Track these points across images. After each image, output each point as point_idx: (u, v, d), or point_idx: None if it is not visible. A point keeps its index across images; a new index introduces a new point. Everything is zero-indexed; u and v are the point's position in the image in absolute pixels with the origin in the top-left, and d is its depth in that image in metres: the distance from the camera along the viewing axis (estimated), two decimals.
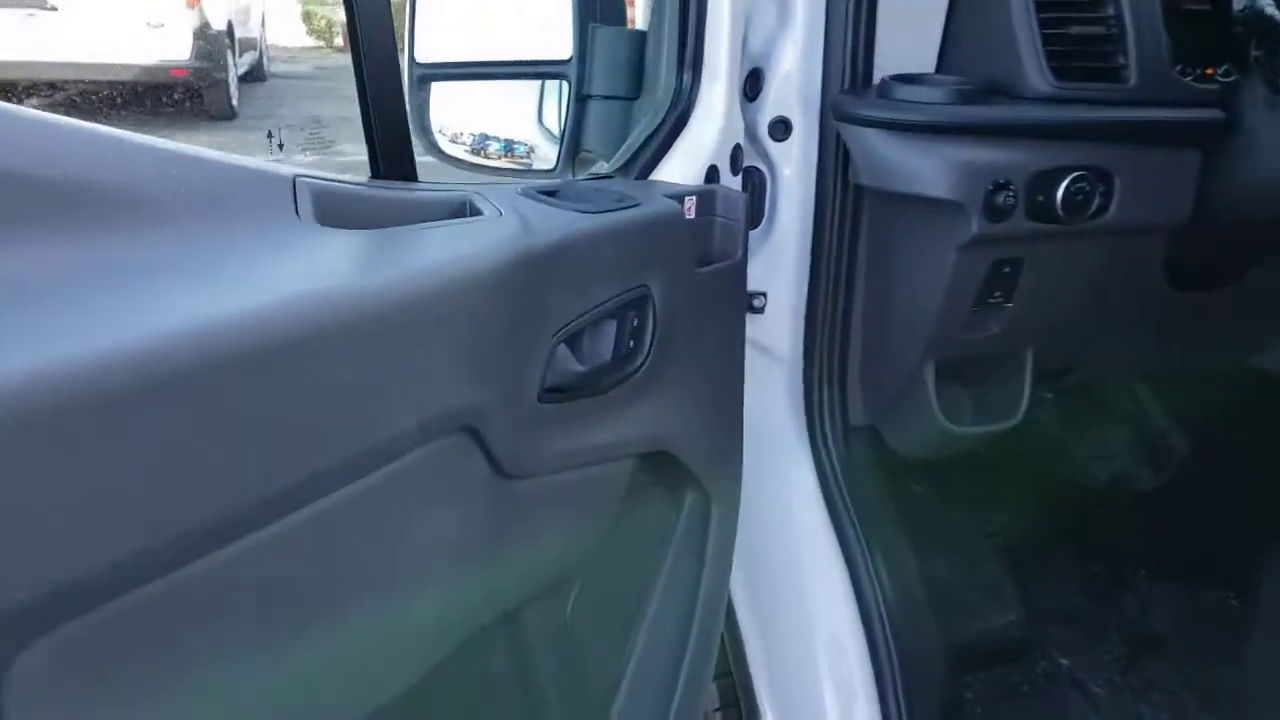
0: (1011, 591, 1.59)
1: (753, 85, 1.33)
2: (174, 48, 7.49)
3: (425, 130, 1.38)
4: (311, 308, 0.63)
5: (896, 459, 1.50)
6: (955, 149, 1.20)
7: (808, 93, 1.31)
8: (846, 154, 1.30)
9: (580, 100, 1.32)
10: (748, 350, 1.41)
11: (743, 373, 1.26)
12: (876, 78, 1.30)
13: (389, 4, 0.84)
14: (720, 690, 1.47)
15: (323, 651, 0.74)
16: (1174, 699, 1.62)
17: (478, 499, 0.82)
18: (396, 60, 0.85)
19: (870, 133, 1.21)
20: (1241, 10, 1.32)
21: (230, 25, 8.21)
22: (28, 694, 0.51)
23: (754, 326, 1.41)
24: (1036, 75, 1.23)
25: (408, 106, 1.38)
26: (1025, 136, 1.23)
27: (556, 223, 0.90)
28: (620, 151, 1.25)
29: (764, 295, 1.39)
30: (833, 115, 1.27)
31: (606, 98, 1.31)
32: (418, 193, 0.86)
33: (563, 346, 0.88)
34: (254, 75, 9.43)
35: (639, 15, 1.51)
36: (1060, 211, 1.23)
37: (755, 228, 1.38)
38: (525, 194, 0.95)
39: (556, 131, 1.40)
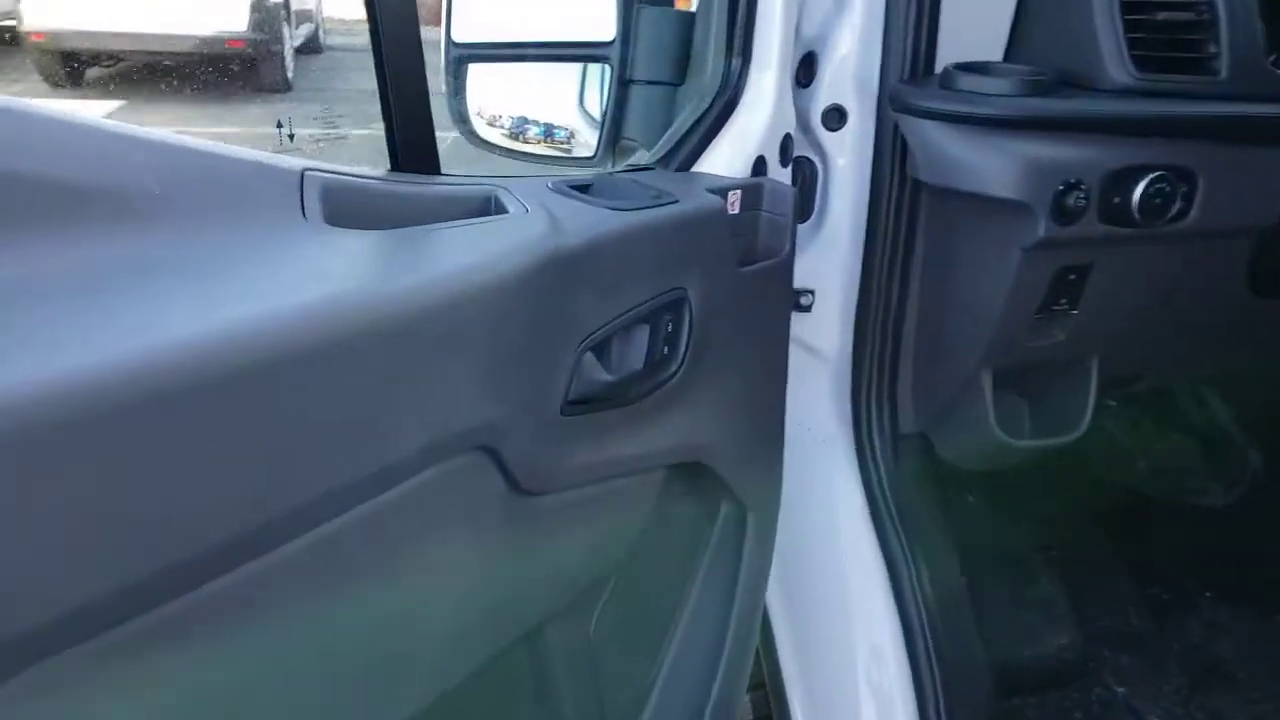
0: (1066, 612, 1.50)
1: (806, 71, 1.25)
2: (232, 20, 7.54)
3: (462, 114, 1.33)
4: (311, 318, 0.58)
5: (947, 468, 1.42)
6: (1022, 145, 1.11)
7: (865, 80, 1.22)
8: (904, 146, 1.21)
9: (622, 85, 1.25)
10: (793, 350, 1.34)
11: (785, 377, 1.19)
12: (939, 66, 1.22)
13: None
14: (753, 703, 1.41)
15: (336, 675, 0.70)
16: None
17: (493, 517, 0.77)
18: (419, 42, 0.79)
19: (930, 125, 1.13)
20: None
21: None
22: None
23: (800, 325, 1.34)
24: (1116, 66, 1.14)
25: (444, 88, 1.33)
26: (1100, 132, 1.14)
27: (587, 221, 0.84)
28: (662, 141, 1.18)
29: (812, 293, 1.32)
30: (890, 105, 1.19)
31: (650, 83, 1.24)
32: (439, 187, 0.80)
33: (589, 355, 0.82)
34: (310, 47, 9.46)
35: None
36: (1136, 214, 1.14)
37: (805, 221, 1.30)
38: (556, 189, 0.89)
39: (598, 116, 1.33)
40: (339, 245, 0.65)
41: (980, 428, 1.30)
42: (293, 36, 8.43)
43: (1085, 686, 1.53)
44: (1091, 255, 1.20)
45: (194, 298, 0.56)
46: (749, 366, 1.11)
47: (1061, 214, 1.11)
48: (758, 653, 1.28)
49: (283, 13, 8.10)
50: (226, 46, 7.64)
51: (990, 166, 1.10)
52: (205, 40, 7.49)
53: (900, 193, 1.26)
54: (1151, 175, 1.13)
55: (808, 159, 1.29)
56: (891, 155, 1.24)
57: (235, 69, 7.96)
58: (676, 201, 0.95)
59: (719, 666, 1.12)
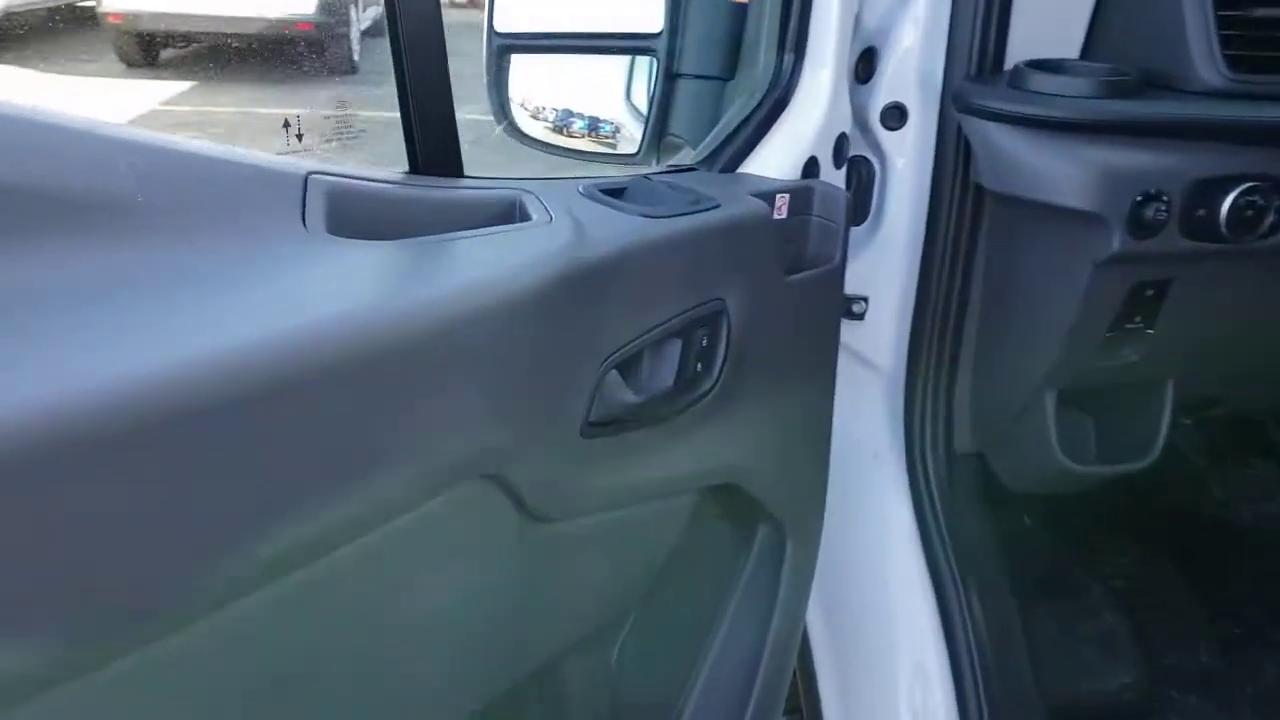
0: (1129, 647, 1.41)
1: (865, 66, 1.18)
2: (300, 3, 7.61)
3: (503, 106, 1.28)
4: (300, 341, 0.53)
5: (1002, 488, 1.34)
6: (1098, 151, 1.02)
7: (928, 77, 1.14)
8: (968, 148, 1.13)
9: (669, 79, 1.19)
10: (844, 360, 1.27)
11: (833, 392, 1.12)
12: (1009, 63, 1.13)
13: None
14: None
15: (340, 710, 0.66)
16: None
17: (504, 546, 0.72)
18: (441, 29, 0.73)
19: (996, 127, 1.04)
20: None
21: None
22: None
23: (852, 334, 1.27)
24: (1207, 66, 1.04)
25: (485, 79, 1.28)
26: (1186, 138, 1.05)
27: (617, 229, 0.78)
28: (708, 139, 1.12)
29: (865, 300, 1.25)
30: (954, 105, 1.11)
31: (698, 77, 1.18)
32: (460, 191, 0.75)
33: (614, 374, 0.77)
34: (376, 30, 9.50)
35: None
36: (1224, 229, 1.04)
37: (860, 224, 1.23)
38: (587, 193, 0.83)
39: (645, 111, 1.27)
40: (339, 258, 0.61)
41: (1042, 451, 1.21)
42: (359, 19, 8.49)
43: None
44: (1171, 271, 1.10)
45: (175, 318, 0.52)
46: (793, 381, 1.05)
47: (1139, 227, 1.03)
48: (795, 675, 1.22)
49: None
50: (294, 29, 7.72)
51: (1061, 174, 1.02)
52: (274, 23, 7.58)
53: (962, 197, 1.18)
54: (1242, 186, 1.04)
55: (865, 159, 1.21)
56: (954, 158, 1.16)
57: (302, 51, 8.05)
58: (717, 206, 0.89)
59: (752, 694, 1.06)
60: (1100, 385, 1.23)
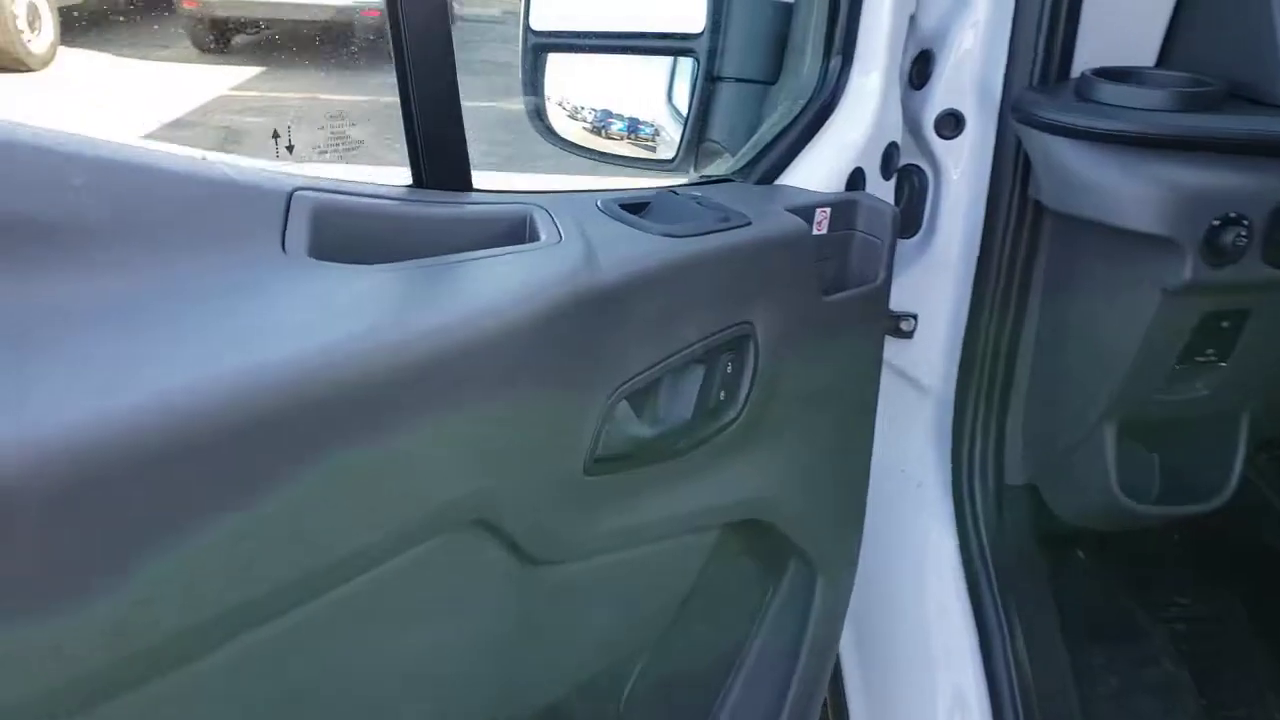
0: (1190, 699, 1.31)
1: (921, 70, 1.10)
2: None
3: (538, 107, 1.23)
4: (259, 380, 0.49)
5: (1057, 521, 1.25)
6: (1172, 170, 0.93)
7: (987, 83, 1.07)
8: (1029, 160, 1.05)
9: (709, 81, 1.13)
10: (891, 380, 1.20)
11: (873, 420, 1.05)
12: (1077, 71, 1.05)
13: None
14: None
15: None
16: None
17: (494, 592, 0.68)
18: (447, 30, 0.68)
19: (1058, 141, 0.96)
20: None
21: None
22: None
23: (900, 353, 1.20)
24: None
25: (521, 77, 1.23)
26: (1274, 157, 0.95)
27: (634, 250, 0.73)
28: (746, 148, 1.05)
29: (914, 318, 1.17)
30: (1012, 115, 1.03)
31: (739, 80, 1.12)
32: (465, 207, 0.70)
33: (624, 405, 0.71)
34: None
35: None
36: None
37: (911, 237, 1.16)
38: (605, 208, 0.78)
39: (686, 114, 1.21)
40: (318, 285, 0.56)
41: (1099, 487, 1.13)
42: None
43: None
44: (1249, 301, 1.01)
45: (122, 356, 0.47)
46: (830, 408, 0.98)
47: (1215, 253, 0.94)
48: (825, 711, 1.16)
49: None
50: (362, 16, 7.79)
51: (1129, 194, 0.93)
52: (343, 10, 7.66)
53: (1020, 212, 1.10)
54: None
55: (917, 167, 1.14)
56: (1013, 170, 1.09)
57: (371, 38, 8.11)
58: (747, 224, 0.83)
59: None
60: (1166, 418, 1.14)
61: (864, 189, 1.03)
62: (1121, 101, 0.95)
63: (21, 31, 6.63)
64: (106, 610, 0.45)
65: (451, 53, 0.68)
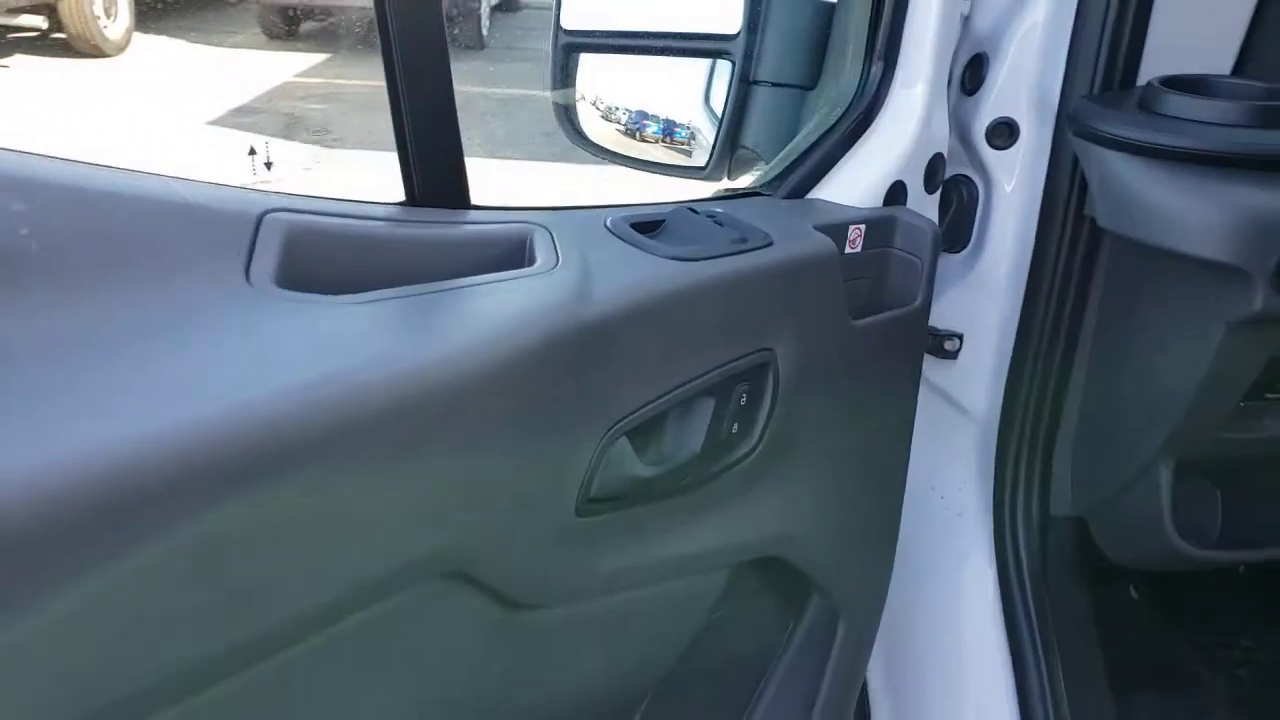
0: None
1: (974, 75, 1.03)
2: None
3: (567, 109, 1.18)
4: (212, 430, 0.45)
5: (1106, 557, 1.18)
6: (1241, 192, 0.85)
7: (1044, 91, 0.99)
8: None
9: (744, 85, 1.07)
10: (934, 402, 1.13)
11: (907, 453, 0.99)
12: (1144, 79, 0.97)
13: None
14: None
15: None
16: None
17: (476, 642, 0.64)
18: (442, 31, 0.64)
19: (1115, 156, 0.89)
20: None
21: None
22: None
23: (942, 373, 1.13)
24: None
25: (550, 77, 1.19)
26: None
27: (640, 274, 0.68)
28: (778, 158, 1.00)
29: (959, 338, 1.11)
30: (1069, 127, 0.95)
31: (776, 85, 1.06)
32: (459, 228, 0.66)
33: (623, 442, 0.67)
34: (507, 5, 9.58)
35: None
36: None
37: (959, 252, 1.09)
38: (614, 228, 0.73)
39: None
40: (281, 321, 0.52)
41: (1152, 529, 1.05)
42: None
43: None
44: None
45: (66, 395, 0.44)
46: (860, 440, 0.92)
47: None
48: None
49: None
50: None
51: (1193, 218, 0.85)
52: None
53: (1075, 231, 1.02)
54: None
55: (967, 178, 1.07)
56: (1069, 185, 1.01)
57: None
58: (769, 244, 0.78)
59: None
60: (1230, 457, 1.06)
61: (905, 204, 0.97)
62: (1189, 114, 0.87)
63: (98, 18, 6.80)
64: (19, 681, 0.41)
65: (446, 55, 0.64)
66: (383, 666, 0.59)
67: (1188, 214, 0.86)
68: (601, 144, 1.17)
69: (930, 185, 1.00)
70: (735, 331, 0.74)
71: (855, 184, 0.94)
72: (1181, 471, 1.05)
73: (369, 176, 4.54)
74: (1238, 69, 0.97)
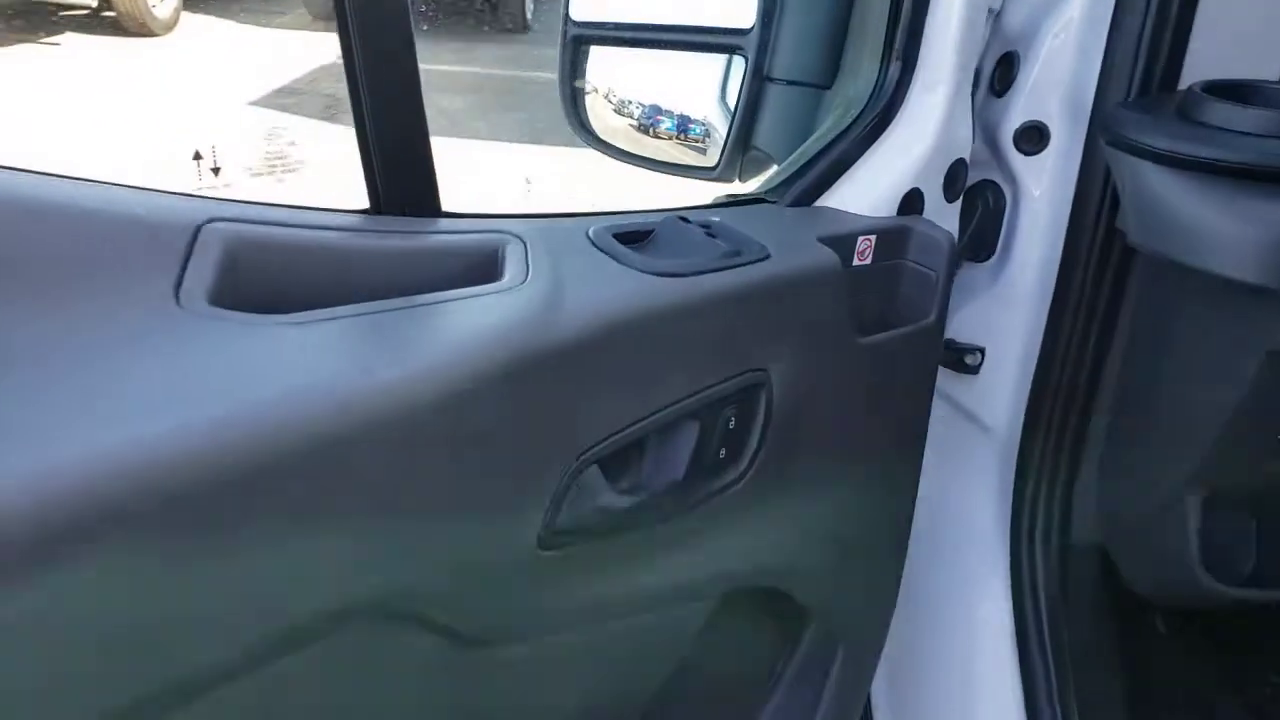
0: None
1: (1004, 75, 0.97)
2: None
3: (574, 103, 1.14)
4: (123, 465, 0.42)
5: (1130, 589, 1.11)
6: None
7: (1076, 93, 0.93)
8: None
9: (758, 81, 1.02)
10: (954, 418, 1.08)
11: (917, 476, 0.94)
12: (1186, 82, 0.90)
13: None
14: None
15: None
16: None
17: (431, 681, 0.60)
18: (408, 24, 0.60)
19: (1148, 168, 0.82)
20: None
21: None
22: None
23: (962, 388, 1.08)
24: None
25: (558, 69, 1.15)
26: None
27: (614, 292, 0.63)
28: (787, 162, 0.94)
29: (981, 352, 1.05)
30: (1101, 135, 0.89)
31: (790, 83, 1.01)
32: (426, 237, 0.62)
33: (594, 471, 0.62)
34: None
35: None
36: None
37: (983, 262, 1.03)
38: (597, 239, 0.69)
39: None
40: (213, 344, 0.48)
41: (1179, 563, 0.99)
42: None
43: None
44: None
45: None
46: (863, 464, 0.87)
47: None
48: None
49: None
50: None
51: (1234, 238, 0.79)
52: None
53: (1106, 244, 0.96)
54: None
55: (993, 184, 1.01)
56: (1101, 195, 0.95)
57: (479, 8, 8.13)
58: (765, 258, 0.73)
59: None
60: (1265, 490, 0.99)
61: (921, 213, 0.91)
62: (1231, 124, 0.80)
63: None
64: None
65: (412, 44, 0.60)
66: (325, 708, 0.55)
67: (1226, 233, 0.79)
68: (607, 140, 1.13)
69: (951, 193, 0.94)
70: (723, 351, 0.70)
71: (868, 191, 0.89)
72: (1213, 503, 0.98)
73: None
74: None
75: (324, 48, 7.13)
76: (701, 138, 1.18)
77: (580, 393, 0.60)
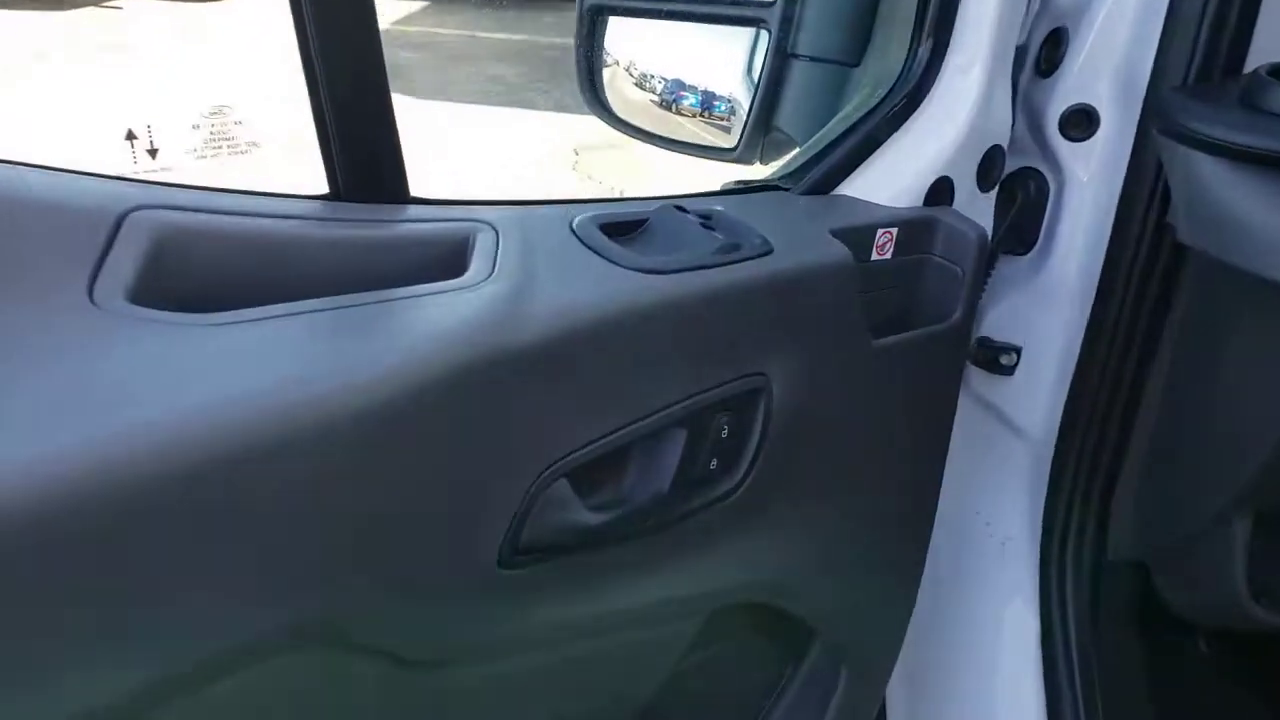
0: None
1: (1051, 53, 0.89)
2: None
3: (592, 77, 1.08)
4: (42, 476, 0.38)
5: (1169, 610, 1.04)
6: None
7: (1129, 76, 0.85)
8: None
9: (781, 58, 0.95)
10: (986, 420, 1.01)
11: (937, 487, 0.88)
12: (1253, 65, 0.81)
13: None
14: None
15: None
16: None
17: (371, 710, 0.56)
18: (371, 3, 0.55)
19: (1203, 160, 0.74)
20: None
21: None
22: None
23: (996, 389, 1.01)
24: None
25: (575, 41, 1.09)
26: None
27: (590, 290, 0.58)
28: (806, 146, 0.88)
29: (1017, 352, 0.98)
30: (1154, 123, 0.81)
31: (815, 59, 0.94)
32: (388, 227, 0.58)
33: (563, 485, 0.57)
34: None
35: None
36: None
37: (1022, 255, 0.96)
38: (581, 230, 0.63)
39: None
40: (130, 346, 0.44)
41: (1223, 587, 0.91)
42: None
43: None
44: None
45: None
46: (877, 477, 0.81)
47: None
48: None
49: None
50: None
51: None
52: None
53: (1155, 240, 0.88)
54: None
55: (1036, 172, 0.93)
56: (1152, 187, 0.87)
57: None
58: (768, 253, 0.67)
59: None
60: None
61: (951, 203, 0.84)
62: None
63: None
64: None
65: (372, 10, 0.55)
66: None
67: None
68: (623, 117, 1.07)
69: (985, 182, 0.87)
70: (716, 355, 0.64)
71: (892, 179, 0.82)
72: (1263, 525, 0.91)
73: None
74: None
75: (380, 13, 7.13)
76: (726, 115, 1.11)
77: (546, 401, 0.55)
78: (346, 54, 0.54)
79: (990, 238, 0.90)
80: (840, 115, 0.87)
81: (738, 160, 1.00)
